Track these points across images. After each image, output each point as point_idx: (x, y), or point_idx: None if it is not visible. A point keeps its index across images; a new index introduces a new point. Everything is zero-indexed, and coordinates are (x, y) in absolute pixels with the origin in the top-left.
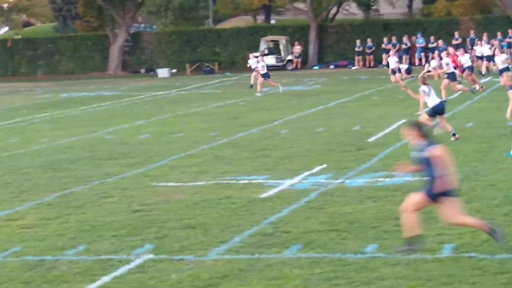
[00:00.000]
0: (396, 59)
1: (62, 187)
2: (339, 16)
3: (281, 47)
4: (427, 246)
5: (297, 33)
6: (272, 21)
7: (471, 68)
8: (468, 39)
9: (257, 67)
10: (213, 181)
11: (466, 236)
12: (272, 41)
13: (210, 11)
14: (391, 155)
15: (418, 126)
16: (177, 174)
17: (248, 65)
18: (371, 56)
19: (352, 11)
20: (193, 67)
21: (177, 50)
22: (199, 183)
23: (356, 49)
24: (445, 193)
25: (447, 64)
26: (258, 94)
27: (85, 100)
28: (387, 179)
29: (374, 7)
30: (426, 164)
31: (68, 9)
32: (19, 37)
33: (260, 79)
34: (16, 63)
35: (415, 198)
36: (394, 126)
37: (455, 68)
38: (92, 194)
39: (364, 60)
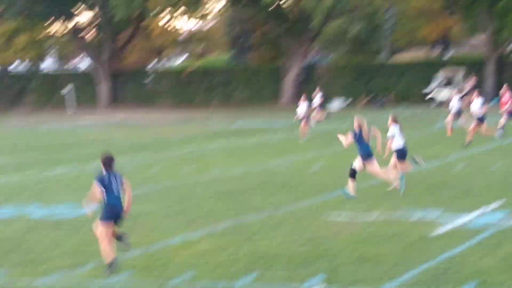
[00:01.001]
0: None
1: (234, 216)
2: None
3: (456, 80)
4: None
5: (474, 66)
6: (448, 54)
7: None
8: None
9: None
10: (385, 215)
11: None
12: (449, 73)
13: (386, 42)
14: None
15: None
16: (349, 207)
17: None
18: None
19: None
20: (367, 99)
21: (350, 82)
22: (371, 217)
23: None
24: None
25: None
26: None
27: (258, 131)
28: None
29: None
30: None
31: (244, 40)
32: (196, 67)
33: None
34: (192, 93)
35: None
36: None
37: None
38: (264, 224)
39: None
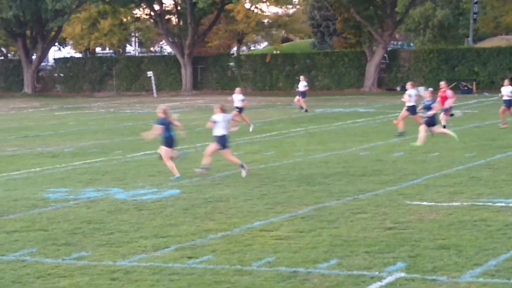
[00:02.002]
0: None
1: (315, 201)
2: None
3: None
4: None
5: None
6: None
7: None
8: None
9: None
10: (468, 202)
11: None
12: None
13: (471, 29)
14: None
15: None
16: (431, 193)
17: None
18: None
19: None
20: (450, 86)
21: (434, 68)
22: (454, 203)
23: None
24: None
25: None
26: None
27: (340, 116)
28: None
29: None
30: None
31: (327, 25)
32: (278, 52)
33: None
34: (274, 78)
35: None
36: None
37: None
38: (345, 209)
39: None
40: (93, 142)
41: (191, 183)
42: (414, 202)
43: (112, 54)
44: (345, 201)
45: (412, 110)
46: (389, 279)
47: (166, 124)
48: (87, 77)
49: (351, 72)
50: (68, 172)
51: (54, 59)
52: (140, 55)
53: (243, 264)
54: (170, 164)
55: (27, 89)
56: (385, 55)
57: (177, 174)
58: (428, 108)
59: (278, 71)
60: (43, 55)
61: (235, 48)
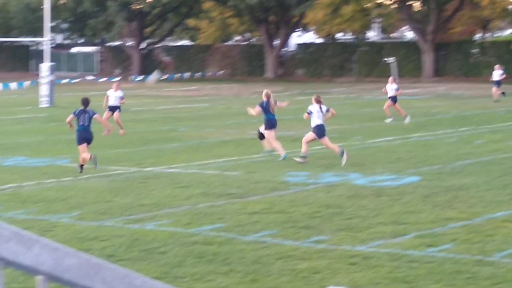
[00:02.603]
0: None
1: None
2: None
3: None
4: None
5: None
6: None
7: None
8: None
9: None
10: None
11: None
12: None
13: None
14: None
15: None
16: None
17: None
18: None
19: None
20: None
21: None
22: None
23: None
24: None
25: None
26: None
27: None
28: None
29: None
30: None
31: None
32: None
33: None
34: None
35: None
36: None
37: None
38: None
39: None
40: (333, 127)
41: (431, 171)
42: None
43: (353, 40)
44: None
45: None
46: None
47: (266, 107)
48: (328, 63)
49: None
50: (308, 156)
51: (296, 44)
52: (381, 41)
53: (484, 254)
54: (276, 145)
55: (269, 73)
56: None
57: (283, 153)
58: None
59: None
60: (285, 41)
61: (478, 35)
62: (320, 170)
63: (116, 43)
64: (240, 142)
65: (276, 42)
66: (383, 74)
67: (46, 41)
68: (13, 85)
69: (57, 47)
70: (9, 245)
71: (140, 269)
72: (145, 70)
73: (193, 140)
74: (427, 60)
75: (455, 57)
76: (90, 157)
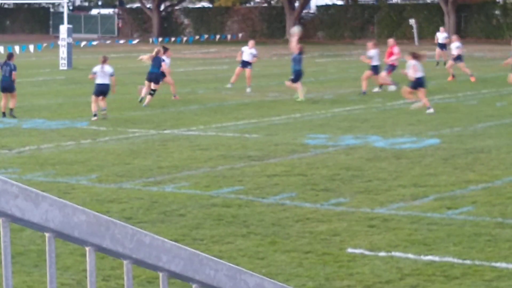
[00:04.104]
0: None
1: None
2: None
3: None
4: None
5: None
6: None
7: None
8: None
9: None
10: None
11: None
12: None
13: None
14: None
15: None
16: None
17: None
18: None
19: None
20: None
21: None
22: None
23: None
24: None
25: None
26: None
27: None
28: None
29: None
30: None
31: None
32: None
33: None
34: None
35: None
36: None
37: None
38: None
39: None
40: (353, 89)
41: (451, 133)
42: None
43: (374, 2)
44: None
45: None
46: None
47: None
48: (348, 25)
49: None
50: (327, 118)
51: (316, 6)
52: (403, 2)
53: (504, 217)
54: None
55: (289, 35)
56: None
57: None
58: None
59: None
60: (306, 2)
61: None
62: (340, 132)
63: (136, 5)
64: (260, 104)
65: (296, 3)
66: (405, 36)
67: (65, 2)
68: (32, 47)
69: (76, 9)
70: (16, 201)
71: (159, 231)
72: (164, 32)
73: (212, 103)
74: (449, 21)
75: (477, 19)
76: None
